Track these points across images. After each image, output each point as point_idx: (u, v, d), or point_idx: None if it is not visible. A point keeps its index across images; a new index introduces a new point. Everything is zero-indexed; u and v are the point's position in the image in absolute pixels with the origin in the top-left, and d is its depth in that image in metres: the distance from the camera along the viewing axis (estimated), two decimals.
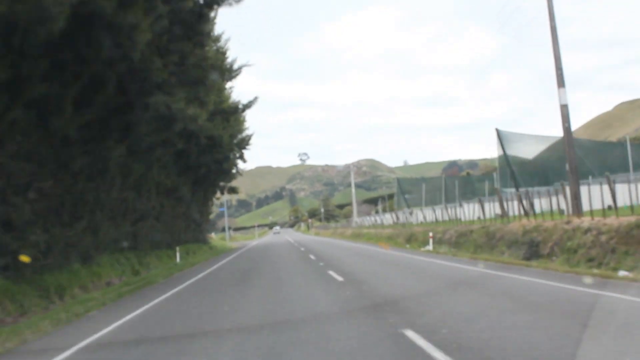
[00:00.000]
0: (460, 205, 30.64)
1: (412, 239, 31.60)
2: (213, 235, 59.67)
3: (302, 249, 35.08)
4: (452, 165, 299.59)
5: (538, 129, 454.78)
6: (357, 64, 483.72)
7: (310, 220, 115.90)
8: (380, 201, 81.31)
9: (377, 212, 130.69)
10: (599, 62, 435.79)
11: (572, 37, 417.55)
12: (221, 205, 70.18)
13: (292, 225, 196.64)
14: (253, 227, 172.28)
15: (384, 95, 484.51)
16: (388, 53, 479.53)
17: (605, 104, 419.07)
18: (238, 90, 48.72)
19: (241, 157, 39.82)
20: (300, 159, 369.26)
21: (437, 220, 33.68)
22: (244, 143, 37.96)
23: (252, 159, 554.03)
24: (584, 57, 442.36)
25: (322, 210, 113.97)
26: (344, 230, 70.39)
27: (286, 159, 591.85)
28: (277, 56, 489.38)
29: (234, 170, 42.16)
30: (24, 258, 11.84)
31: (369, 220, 73.38)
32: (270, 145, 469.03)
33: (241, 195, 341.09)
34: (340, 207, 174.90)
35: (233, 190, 46.24)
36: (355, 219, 72.79)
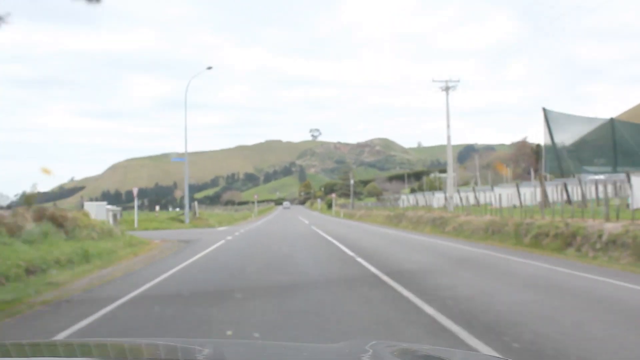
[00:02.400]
0: None
1: None
2: (92, 213, 17.77)
3: None
4: (469, 150, 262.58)
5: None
6: (371, 43, 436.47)
7: (333, 196, 75.73)
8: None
9: (413, 190, 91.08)
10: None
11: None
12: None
13: (302, 202, 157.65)
14: (262, 202, 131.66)
15: (397, 76, 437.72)
16: (403, 34, 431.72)
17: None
18: None
19: None
20: (312, 135, 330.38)
21: None
22: None
23: (261, 133, 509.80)
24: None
25: (352, 182, 73.66)
26: (441, 216, 29.96)
27: (297, 135, 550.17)
28: (290, 32, 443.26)
29: None
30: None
31: (448, 199, 34.25)
32: (281, 120, 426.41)
33: (249, 169, 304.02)
34: (364, 183, 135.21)
35: None
36: (450, 192, 32.47)
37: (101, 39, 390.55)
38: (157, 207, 36.91)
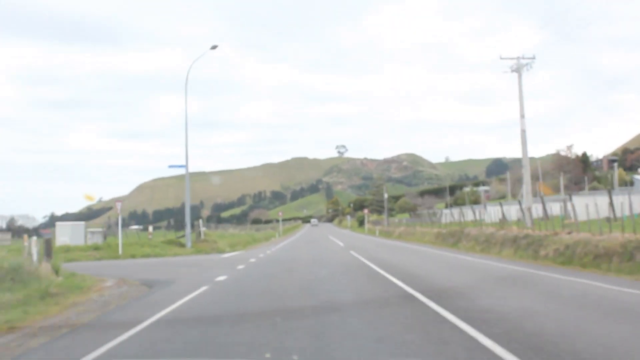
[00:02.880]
0: None
1: None
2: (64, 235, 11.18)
3: None
4: (498, 164, 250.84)
5: (580, 129, 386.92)
6: (396, 56, 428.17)
7: (365, 212, 67.77)
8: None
9: (448, 205, 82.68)
10: None
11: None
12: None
13: (330, 220, 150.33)
14: (289, 220, 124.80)
15: (423, 90, 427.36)
16: (428, 46, 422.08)
17: None
18: None
19: None
20: (338, 152, 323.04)
21: None
22: None
23: (287, 150, 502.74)
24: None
25: (386, 196, 65.64)
26: (525, 234, 21.90)
27: (323, 151, 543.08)
28: (315, 47, 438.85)
29: None
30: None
31: (526, 212, 26.15)
32: (307, 136, 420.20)
33: (276, 187, 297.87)
34: (395, 198, 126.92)
35: None
36: (529, 202, 24.33)
37: (126, 59, 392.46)
38: (151, 228, 29.46)
